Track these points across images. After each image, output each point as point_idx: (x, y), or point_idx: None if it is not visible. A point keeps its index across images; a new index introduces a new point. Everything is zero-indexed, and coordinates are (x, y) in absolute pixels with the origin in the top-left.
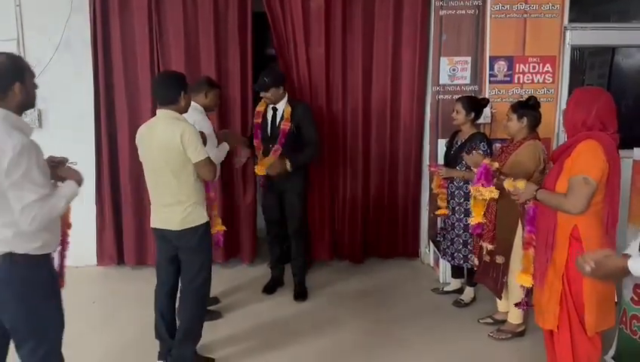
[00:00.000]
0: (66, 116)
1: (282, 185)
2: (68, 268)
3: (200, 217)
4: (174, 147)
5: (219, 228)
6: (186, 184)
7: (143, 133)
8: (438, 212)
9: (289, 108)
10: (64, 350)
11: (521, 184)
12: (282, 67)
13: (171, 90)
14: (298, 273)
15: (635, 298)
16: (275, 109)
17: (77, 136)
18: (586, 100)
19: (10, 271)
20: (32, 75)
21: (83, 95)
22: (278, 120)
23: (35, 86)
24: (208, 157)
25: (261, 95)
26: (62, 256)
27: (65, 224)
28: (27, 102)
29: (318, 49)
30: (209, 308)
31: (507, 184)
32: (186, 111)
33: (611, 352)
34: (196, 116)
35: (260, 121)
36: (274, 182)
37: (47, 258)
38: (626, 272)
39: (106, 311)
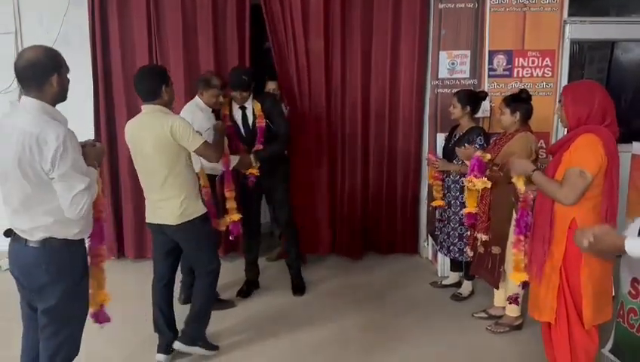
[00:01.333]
0: (64, 111)
1: (264, 182)
2: None
3: (196, 210)
4: (166, 141)
5: (234, 217)
6: (180, 178)
7: (132, 131)
8: (434, 203)
9: (258, 105)
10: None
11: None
12: (279, 61)
13: (151, 85)
14: (294, 265)
15: (633, 291)
16: (243, 108)
17: (75, 131)
18: (584, 94)
19: (50, 256)
20: (68, 69)
21: (81, 89)
22: (250, 119)
23: (68, 80)
24: (205, 142)
25: (231, 94)
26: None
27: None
28: (61, 94)
29: (317, 42)
30: (222, 297)
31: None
32: (170, 104)
33: (609, 345)
34: (192, 110)
35: (230, 124)
36: (258, 179)
37: (82, 243)
38: (622, 250)
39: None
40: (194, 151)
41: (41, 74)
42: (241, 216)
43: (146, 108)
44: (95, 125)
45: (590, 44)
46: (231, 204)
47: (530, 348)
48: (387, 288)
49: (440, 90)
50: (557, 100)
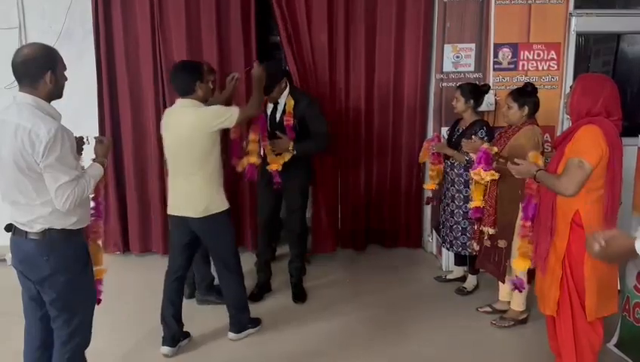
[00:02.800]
0: (68, 104)
1: (283, 181)
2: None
3: (221, 204)
4: (198, 133)
5: (252, 160)
6: (209, 171)
7: (167, 119)
8: (426, 185)
9: (291, 102)
10: None
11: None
12: (285, 55)
13: (185, 81)
14: (295, 274)
15: (639, 285)
16: (275, 103)
17: (79, 125)
18: (593, 89)
19: (50, 246)
20: (64, 67)
21: (85, 82)
22: (278, 115)
23: (65, 78)
24: (240, 109)
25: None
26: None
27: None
28: (56, 91)
29: (320, 37)
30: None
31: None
32: (205, 100)
33: (614, 340)
34: None
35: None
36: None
37: (81, 232)
38: (633, 253)
39: (110, 297)
40: (238, 124)
41: (35, 70)
42: (259, 160)
43: (179, 102)
44: (99, 118)
45: (596, 36)
46: (253, 147)
47: (534, 342)
48: (391, 282)
49: (444, 84)
50: (563, 92)
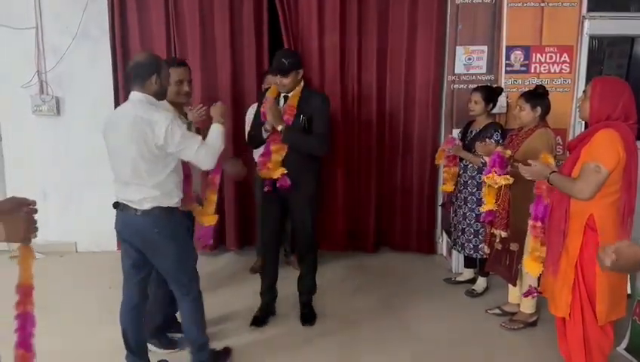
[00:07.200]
0: (84, 104)
1: (289, 197)
2: (91, 252)
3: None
4: None
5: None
6: None
7: None
8: (443, 187)
9: (298, 96)
10: (81, 329)
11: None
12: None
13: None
14: (305, 292)
15: None
16: (286, 98)
17: (94, 124)
18: (611, 94)
19: (159, 221)
20: (168, 74)
21: (101, 83)
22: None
23: (168, 82)
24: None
25: (276, 82)
26: None
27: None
28: (161, 91)
29: (332, 37)
30: None
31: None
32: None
33: (624, 343)
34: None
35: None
36: (278, 189)
37: (178, 210)
38: None
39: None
40: None
41: (143, 73)
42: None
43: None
44: None
45: (609, 39)
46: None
47: (544, 344)
48: (401, 283)
49: (456, 86)
50: (575, 95)
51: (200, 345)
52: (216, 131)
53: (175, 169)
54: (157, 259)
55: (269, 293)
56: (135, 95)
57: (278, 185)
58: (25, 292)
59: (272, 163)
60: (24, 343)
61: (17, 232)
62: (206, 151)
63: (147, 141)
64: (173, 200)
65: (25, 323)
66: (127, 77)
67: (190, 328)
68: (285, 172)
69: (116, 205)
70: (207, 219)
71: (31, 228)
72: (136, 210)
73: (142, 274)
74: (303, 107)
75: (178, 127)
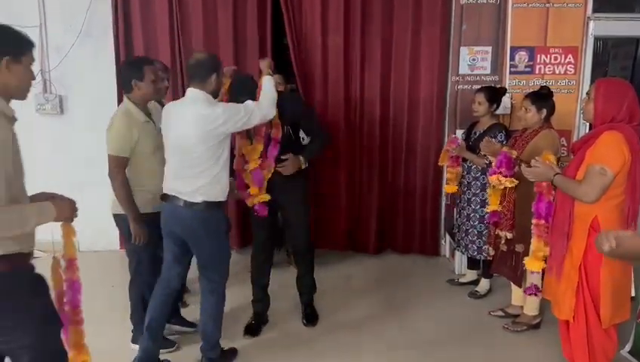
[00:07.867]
0: (87, 102)
1: (279, 199)
2: (93, 251)
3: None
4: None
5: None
6: None
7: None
8: (447, 188)
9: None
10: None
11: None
12: (297, 56)
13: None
14: (306, 292)
15: None
16: None
17: (97, 122)
18: (615, 95)
19: (206, 213)
20: (222, 74)
21: (104, 81)
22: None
23: (221, 82)
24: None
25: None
26: None
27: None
28: (217, 91)
29: (336, 38)
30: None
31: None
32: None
33: (628, 347)
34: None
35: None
36: (272, 196)
37: (223, 206)
38: None
39: (124, 294)
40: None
41: (204, 72)
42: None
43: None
44: None
45: (614, 40)
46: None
47: (547, 347)
48: (404, 285)
49: (460, 87)
50: (580, 96)
51: (213, 342)
52: (269, 82)
53: (226, 162)
54: (197, 249)
55: (260, 302)
56: (193, 92)
57: (254, 210)
58: (70, 261)
59: (251, 190)
60: (73, 301)
61: (64, 212)
62: (266, 103)
63: (210, 131)
64: (223, 194)
65: (72, 285)
66: (188, 73)
67: (208, 323)
68: (268, 199)
69: (164, 197)
70: (260, 198)
71: (74, 208)
72: (185, 201)
73: (182, 265)
74: (286, 117)
75: (234, 107)
